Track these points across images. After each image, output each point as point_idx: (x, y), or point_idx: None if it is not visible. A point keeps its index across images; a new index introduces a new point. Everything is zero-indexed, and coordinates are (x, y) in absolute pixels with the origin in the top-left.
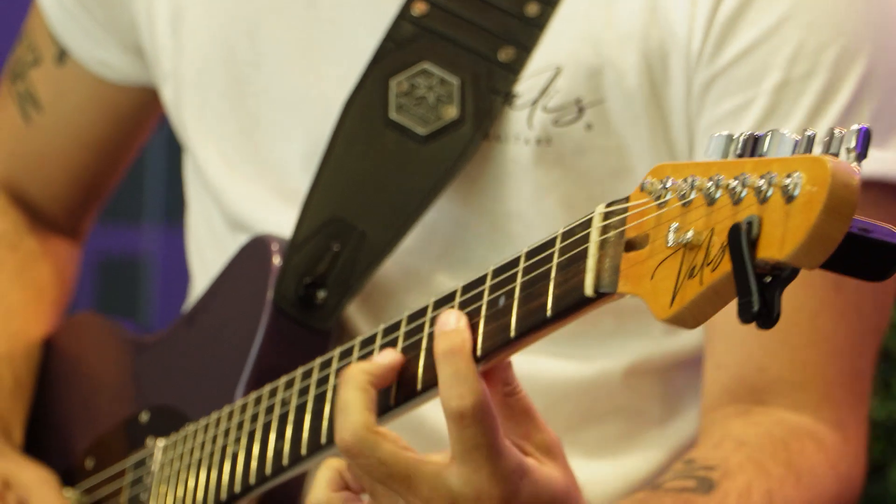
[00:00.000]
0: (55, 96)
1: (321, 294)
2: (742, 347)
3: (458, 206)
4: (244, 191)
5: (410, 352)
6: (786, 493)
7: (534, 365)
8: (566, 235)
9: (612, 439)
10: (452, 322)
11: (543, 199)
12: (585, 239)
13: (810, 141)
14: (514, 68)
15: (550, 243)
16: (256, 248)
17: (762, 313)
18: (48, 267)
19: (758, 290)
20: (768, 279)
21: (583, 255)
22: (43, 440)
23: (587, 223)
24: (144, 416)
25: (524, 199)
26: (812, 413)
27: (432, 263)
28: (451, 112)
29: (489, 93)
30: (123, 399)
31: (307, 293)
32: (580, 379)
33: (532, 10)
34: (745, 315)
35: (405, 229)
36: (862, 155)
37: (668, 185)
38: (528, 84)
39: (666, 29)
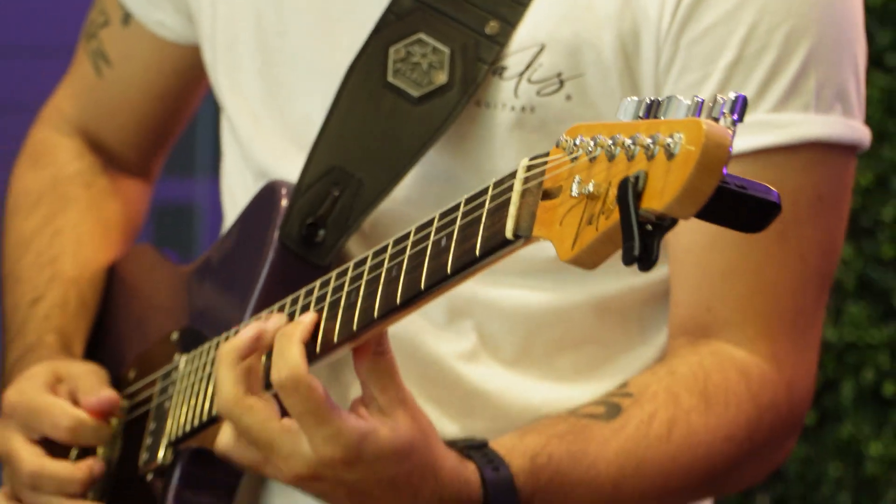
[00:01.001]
0: (122, 54)
1: (321, 233)
2: (695, 290)
3: (450, 161)
4: (269, 145)
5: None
6: (690, 419)
7: (517, 298)
8: (497, 185)
9: (583, 366)
10: (308, 317)
11: (523, 158)
12: (510, 189)
13: (699, 106)
14: (499, 41)
15: (484, 191)
16: (268, 192)
17: (642, 257)
18: (118, 203)
19: (639, 236)
20: (649, 227)
21: (507, 203)
22: (99, 352)
23: (513, 174)
24: (174, 336)
25: (509, 158)
26: (748, 347)
27: (424, 211)
28: (441, 77)
29: (476, 61)
30: (161, 320)
31: (309, 232)
32: (556, 309)
33: None
34: (627, 258)
35: (397, 179)
36: (738, 120)
37: (578, 142)
38: (515, 58)
39: (639, 11)
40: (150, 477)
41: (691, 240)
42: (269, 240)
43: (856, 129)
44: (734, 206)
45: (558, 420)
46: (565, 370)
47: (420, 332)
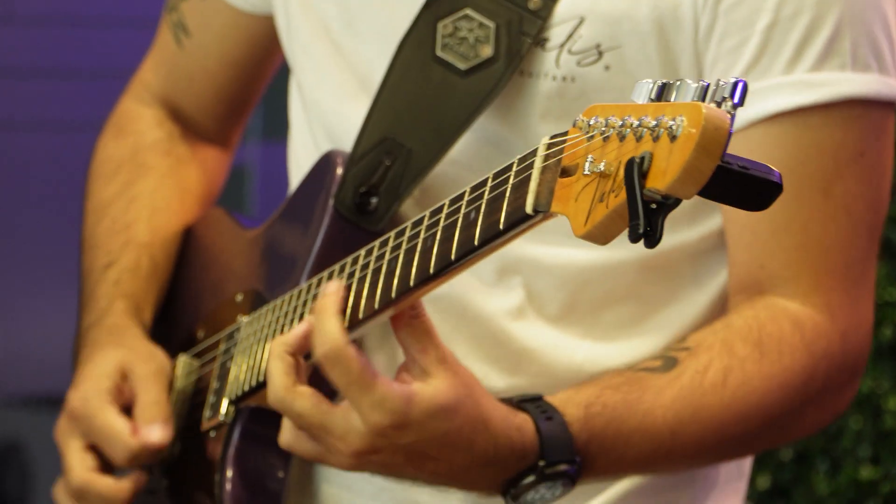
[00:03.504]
0: (200, 24)
1: (374, 201)
2: (748, 249)
3: (498, 127)
4: (340, 108)
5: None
6: (745, 368)
7: (564, 256)
8: (520, 161)
9: (626, 321)
10: (331, 288)
11: (568, 124)
12: (532, 166)
13: (704, 90)
14: (541, 15)
15: (509, 167)
16: (325, 161)
17: (648, 234)
18: (196, 171)
19: (644, 214)
20: (654, 206)
21: (528, 179)
22: (174, 309)
23: (534, 152)
24: (239, 297)
25: (553, 124)
26: (801, 299)
27: (475, 174)
28: (487, 51)
29: (519, 35)
30: (229, 281)
31: (362, 200)
32: (602, 266)
33: None
34: (633, 235)
35: (446, 148)
36: (738, 104)
37: (593, 122)
38: (556, 30)
39: None
40: (212, 434)
41: None
42: (324, 207)
43: (892, 86)
44: (736, 185)
45: (615, 374)
46: (608, 327)
47: (470, 290)
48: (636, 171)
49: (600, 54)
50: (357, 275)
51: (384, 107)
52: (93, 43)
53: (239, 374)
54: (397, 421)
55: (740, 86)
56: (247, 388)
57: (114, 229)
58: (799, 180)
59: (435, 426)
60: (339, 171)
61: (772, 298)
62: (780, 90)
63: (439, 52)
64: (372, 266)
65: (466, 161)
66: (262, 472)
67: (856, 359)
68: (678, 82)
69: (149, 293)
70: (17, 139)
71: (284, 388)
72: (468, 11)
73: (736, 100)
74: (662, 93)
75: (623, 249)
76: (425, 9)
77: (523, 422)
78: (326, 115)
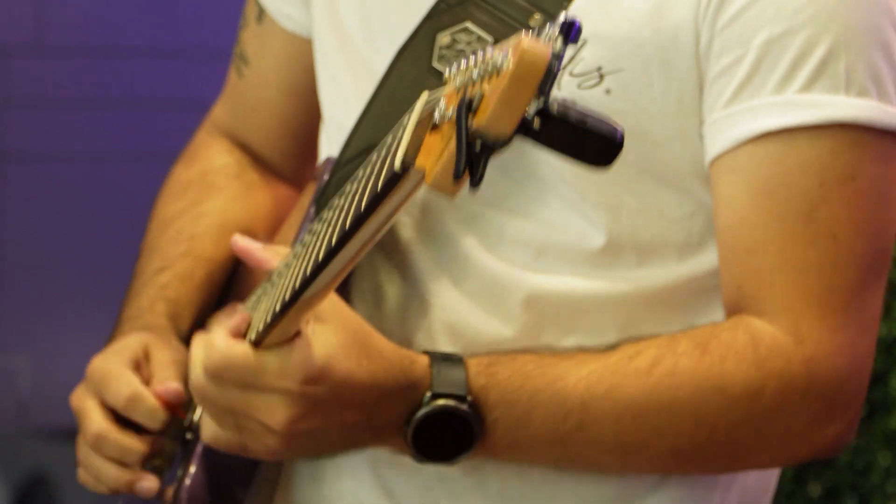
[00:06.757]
0: (258, 51)
1: None
2: (728, 270)
3: None
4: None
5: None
6: (679, 362)
7: (564, 285)
8: (407, 115)
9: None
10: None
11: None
12: (407, 122)
13: (540, 28)
14: (540, 33)
15: (400, 125)
16: (320, 168)
17: (471, 175)
18: (267, 199)
19: (466, 154)
20: (478, 149)
21: (403, 135)
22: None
23: (413, 108)
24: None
25: None
26: (769, 318)
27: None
28: None
29: None
30: (242, 291)
31: None
32: (603, 297)
33: None
34: (455, 174)
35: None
36: (570, 41)
37: (454, 70)
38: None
39: (676, 3)
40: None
41: (724, 221)
42: (308, 212)
43: (891, 114)
44: (569, 134)
45: (556, 353)
46: None
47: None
48: (464, 109)
49: (601, 77)
50: (291, 252)
51: (375, 114)
52: (122, 73)
53: None
54: (308, 374)
55: (568, 24)
56: None
57: (176, 239)
58: (781, 202)
59: (340, 367)
60: (325, 177)
61: (742, 316)
62: (768, 110)
63: (435, 63)
64: (304, 245)
65: None
66: (226, 475)
67: (830, 389)
68: (538, 27)
69: (193, 304)
70: (46, 170)
71: (205, 375)
72: (468, 25)
73: (560, 33)
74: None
75: (622, 282)
76: (427, 20)
77: (419, 356)
78: (341, 132)
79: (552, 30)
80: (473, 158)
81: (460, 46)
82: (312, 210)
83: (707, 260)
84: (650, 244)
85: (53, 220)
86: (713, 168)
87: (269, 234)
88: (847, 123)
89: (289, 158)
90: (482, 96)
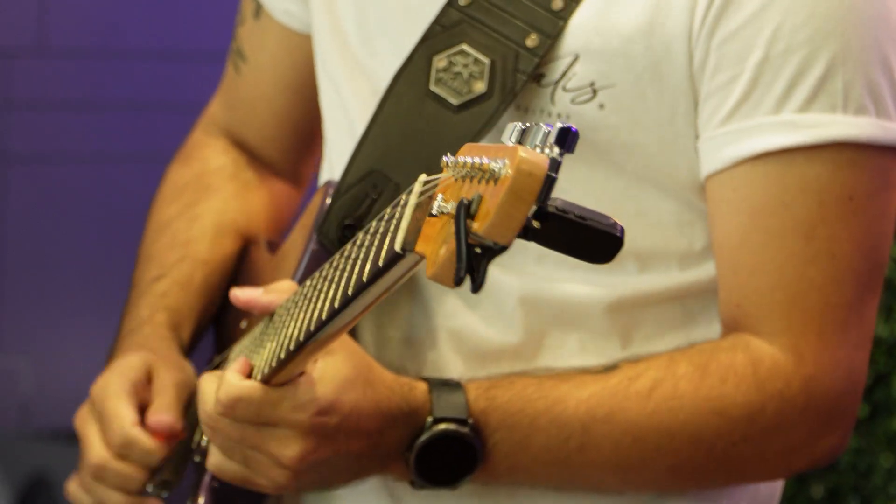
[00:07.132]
0: (255, 47)
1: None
2: (727, 288)
3: None
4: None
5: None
6: (679, 385)
7: (563, 291)
8: (406, 195)
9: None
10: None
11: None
12: (406, 202)
13: (546, 135)
14: (538, 53)
15: (398, 203)
16: (323, 190)
17: (473, 279)
18: (263, 198)
19: (467, 258)
20: (479, 250)
21: (402, 216)
22: (217, 334)
23: (412, 190)
24: (243, 325)
25: None
26: (769, 338)
27: None
28: (480, 86)
29: (514, 72)
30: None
31: (345, 233)
32: (607, 302)
33: (557, 4)
34: (456, 279)
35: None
36: (565, 151)
37: (458, 162)
38: (552, 67)
39: (669, 20)
40: (197, 458)
41: (722, 240)
42: (309, 239)
43: (889, 130)
44: (569, 234)
45: (558, 374)
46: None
47: (470, 323)
48: (463, 212)
49: (594, 92)
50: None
51: (374, 139)
52: (124, 75)
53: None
54: (321, 406)
55: (557, 132)
56: None
57: (172, 245)
58: (781, 221)
59: (348, 398)
60: (328, 202)
61: (741, 335)
62: (766, 130)
63: (432, 87)
64: (304, 296)
65: None
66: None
67: (828, 404)
68: (535, 126)
69: (194, 311)
70: (48, 171)
71: (215, 411)
72: (464, 47)
73: (553, 144)
74: (523, 135)
75: (624, 289)
76: (422, 42)
77: (417, 382)
78: (340, 138)
79: (549, 136)
80: (474, 262)
81: (457, 69)
82: (314, 239)
83: (710, 268)
84: (650, 252)
85: (55, 221)
86: (709, 183)
87: (266, 232)
88: (845, 142)
89: (287, 154)
90: (481, 199)
